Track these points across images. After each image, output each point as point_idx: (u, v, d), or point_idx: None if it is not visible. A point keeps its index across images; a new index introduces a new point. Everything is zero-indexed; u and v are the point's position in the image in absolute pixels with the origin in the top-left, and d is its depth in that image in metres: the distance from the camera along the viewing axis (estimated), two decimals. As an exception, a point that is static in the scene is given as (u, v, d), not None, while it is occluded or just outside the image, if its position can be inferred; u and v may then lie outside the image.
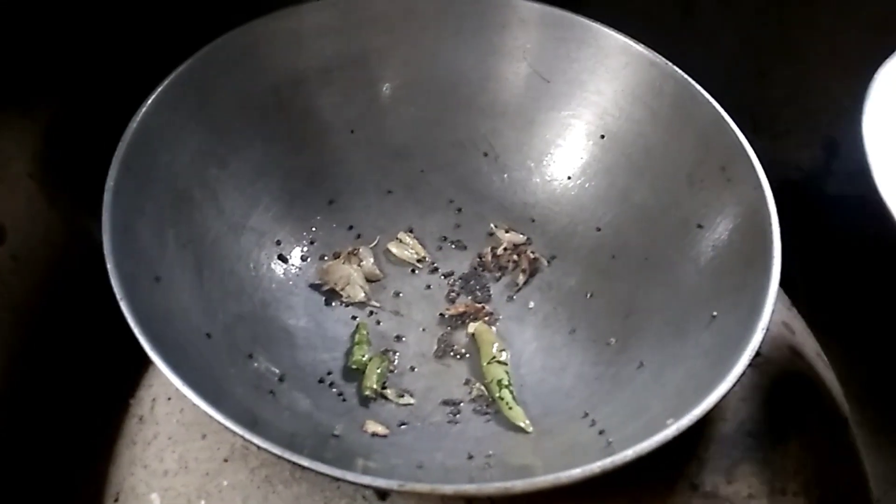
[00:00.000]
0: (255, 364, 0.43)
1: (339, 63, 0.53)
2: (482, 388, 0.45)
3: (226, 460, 0.40)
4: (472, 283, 0.52)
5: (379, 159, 0.55)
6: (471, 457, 0.40)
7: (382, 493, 0.38)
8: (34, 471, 0.48)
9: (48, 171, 0.50)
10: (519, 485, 0.31)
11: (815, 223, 0.62)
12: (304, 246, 0.52)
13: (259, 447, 0.32)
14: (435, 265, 0.53)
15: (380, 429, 0.41)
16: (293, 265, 0.51)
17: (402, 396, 0.44)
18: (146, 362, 0.46)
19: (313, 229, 0.53)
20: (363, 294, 0.50)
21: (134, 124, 0.42)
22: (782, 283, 0.50)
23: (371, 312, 0.50)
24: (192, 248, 0.44)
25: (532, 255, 0.52)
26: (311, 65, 0.52)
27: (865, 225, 0.65)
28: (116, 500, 0.42)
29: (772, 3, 0.59)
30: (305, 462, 0.31)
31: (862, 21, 0.56)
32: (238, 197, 0.49)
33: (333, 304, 0.50)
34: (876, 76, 0.41)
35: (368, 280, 0.51)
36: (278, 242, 0.51)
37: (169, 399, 0.43)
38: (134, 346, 0.45)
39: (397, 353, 0.47)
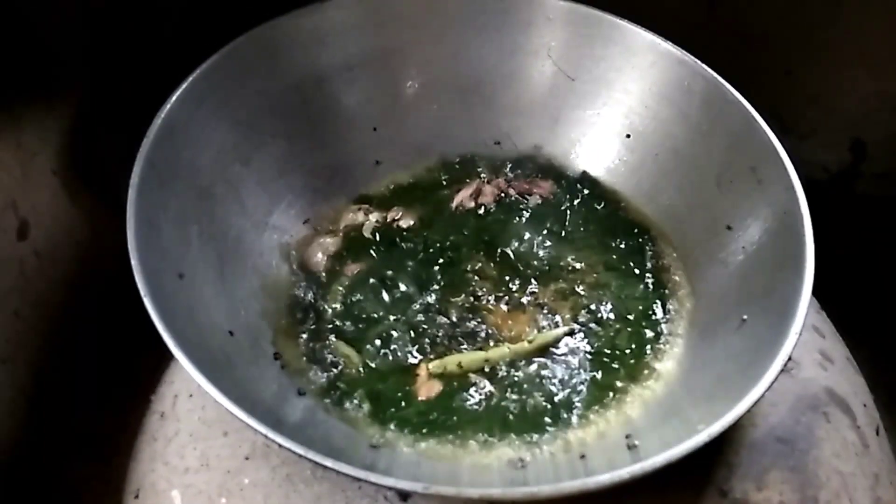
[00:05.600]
0: (283, 366, 0.43)
1: (362, 60, 0.53)
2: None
3: (247, 458, 0.40)
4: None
5: (402, 157, 0.55)
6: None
7: (404, 494, 0.38)
8: (55, 466, 0.49)
9: (72, 167, 0.50)
10: (546, 489, 0.31)
11: (841, 225, 0.62)
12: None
13: (281, 446, 0.32)
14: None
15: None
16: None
17: None
18: (168, 359, 0.47)
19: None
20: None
21: (158, 120, 0.43)
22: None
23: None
24: (214, 245, 0.44)
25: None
26: (334, 62, 0.52)
27: (893, 226, 0.64)
28: (137, 497, 0.42)
29: (798, 2, 0.58)
30: (328, 462, 0.31)
31: (889, 21, 0.56)
32: (261, 194, 0.49)
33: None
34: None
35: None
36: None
37: (191, 396, 0.43)
38: (154, 343, 0.46)
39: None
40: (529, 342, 0.44)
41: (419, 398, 0.42)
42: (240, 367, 0.39)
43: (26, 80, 0.47)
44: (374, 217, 0.52)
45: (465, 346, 0.45)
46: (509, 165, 0.55)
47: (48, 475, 0.48)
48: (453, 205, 0.53)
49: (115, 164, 0.54)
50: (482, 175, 0.55)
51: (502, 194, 0.53)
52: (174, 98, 0.44)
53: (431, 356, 0.44)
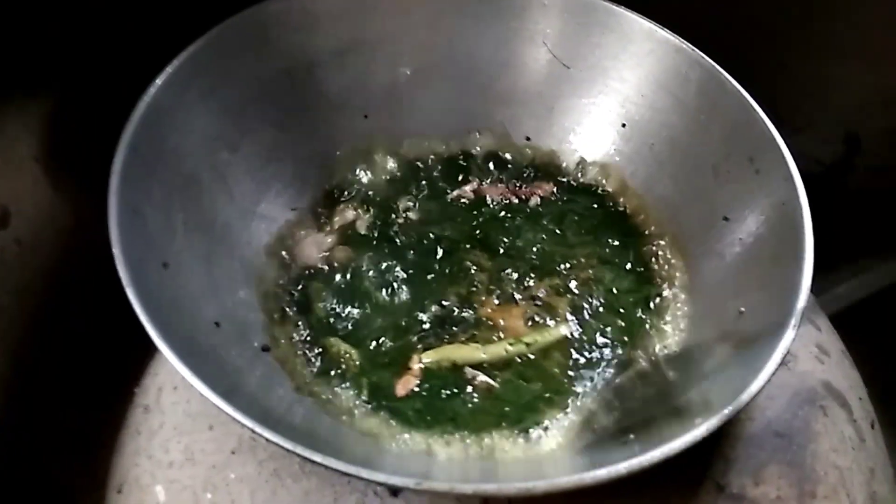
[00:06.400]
0: (271, 358, 0.42)
1: (354, 46, 0.51)
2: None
3: (233, 452, 0.39)
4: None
5: (393, 146, 0.54)
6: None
7: (395, 490, 0.37)
8: (37, 460, 0.48)
9: (54, 153, 0.49)
10: (541, 485, 0.30)
11: (835, 218, 0.61)
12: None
13: (268, 440, 0.31)
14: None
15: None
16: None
17: None
18: (152, 350, 0.45)
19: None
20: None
21: (142, 105, 0.41)
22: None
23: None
24: (200, 234, 0.43)
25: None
26: (326, 47, 0.51)
27: (887, 220, 0.64)
28: (120, 492, 0.41)
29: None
30: (317, 457, 0.30)
31: (885, 13, 0.55)
32: (248, 182, 0.48)
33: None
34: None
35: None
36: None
37: (175, 388, 0.42)
38: (139, 334, 0.45)
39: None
40: (528, 345, 0.43)
41: (397, 394, 0.41)
42: (226, 360, 0.38)
43: (6, 65, 0.46)
44: (368, 214, 0.51)
45: (459, 339, 0.44)
46: (500, 158, 0.55)
47: (30, 469, 0.48)
48: (452, 196, 0.52)
49: (99, 151, 0.53)
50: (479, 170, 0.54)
51: (504, 200, 0.53)
52: (159, 82, 0.42)
53: (421, 348, 0.43)
